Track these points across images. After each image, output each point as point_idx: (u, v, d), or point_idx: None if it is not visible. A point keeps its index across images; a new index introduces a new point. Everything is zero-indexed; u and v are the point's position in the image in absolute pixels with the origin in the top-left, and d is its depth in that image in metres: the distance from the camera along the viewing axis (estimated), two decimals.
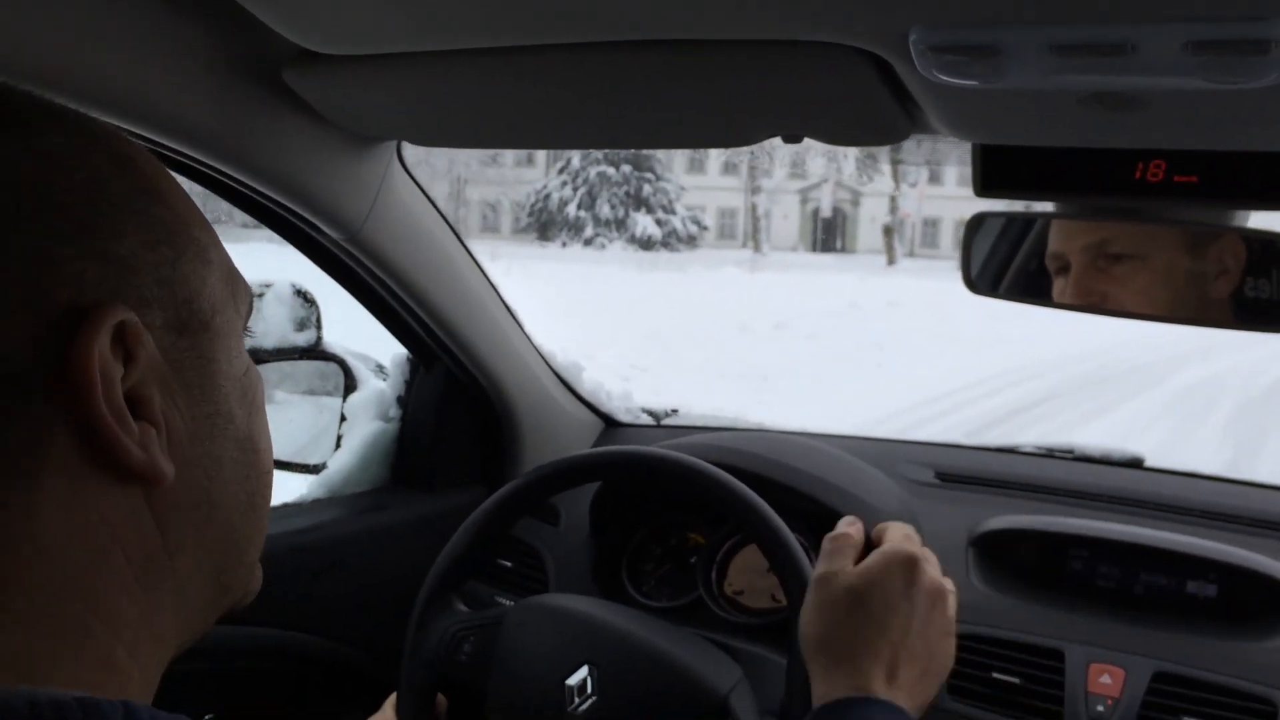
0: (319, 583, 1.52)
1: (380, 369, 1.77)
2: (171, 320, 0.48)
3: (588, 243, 34.58)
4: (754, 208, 38.71)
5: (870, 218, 41.95)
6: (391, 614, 1.52)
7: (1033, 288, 1.15)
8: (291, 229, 1.28)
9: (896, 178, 35.56)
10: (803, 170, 42.10)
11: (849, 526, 1.03)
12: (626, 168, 34.13)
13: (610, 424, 1.94)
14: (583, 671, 1.14)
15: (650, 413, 2.00)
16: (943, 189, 37.93)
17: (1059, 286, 1.11)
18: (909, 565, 0.95)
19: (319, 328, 1.65)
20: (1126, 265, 1.05)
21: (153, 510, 0.47)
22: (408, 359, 1.72)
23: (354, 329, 1.75)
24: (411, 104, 1.06)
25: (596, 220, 35.38)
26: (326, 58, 0.95)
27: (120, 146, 0.49)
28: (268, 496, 0.55)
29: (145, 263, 0.47)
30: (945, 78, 0.75)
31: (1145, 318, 1.06)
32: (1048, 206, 1.10)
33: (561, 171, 36.31)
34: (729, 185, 42.19)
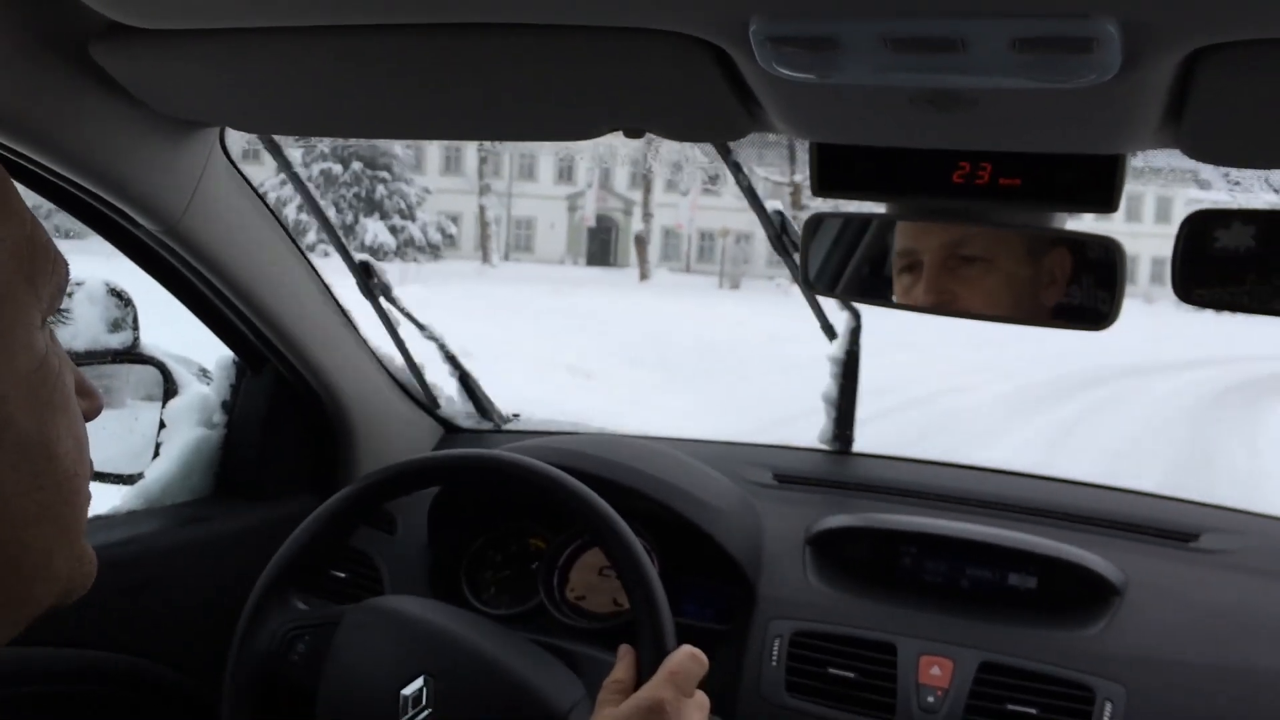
0: (134, 599, 1.42)
1: (204, 373, 1.68)
2: None
3: (309, 249, 31.07)
4: (481, 211, 34.46)
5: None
6: (215, 630, 1.44)
7: (870, 288, 1.17)
8: (102, 220, 1.20)
9: (648, 185, 33.78)
10: (570, 175, 39.66)
11: (620, 664, 1.02)
12: (357, 165, 28.11)
13: (450, 429, 1.90)
14: (419, 681, 1.10)
15: (489, 417, 1.96)
16: (719, 200, 35.08)
17: (903, 284, 1.13)
18: (655, 711, 0.93)
19: (135, 329, 1.55)
20: (976, 267, 1.09)
21: None
22: (234, 362, 1.64)
23: (180, 331, 1.65)
24: (232, 85, 1.00)
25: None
26: (138, 32, 0.88)
27: None
28: (73, 502, 0.49)
29: None
30: (784, 70, 0.75)
31: (984, 318, 1.10)
32: (880, 209, 1.13)
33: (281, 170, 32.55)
34: (518, 192, 39.84)
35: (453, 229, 31.40)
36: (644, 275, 31.64)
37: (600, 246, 40.23)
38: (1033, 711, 1.26)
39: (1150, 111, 0.79)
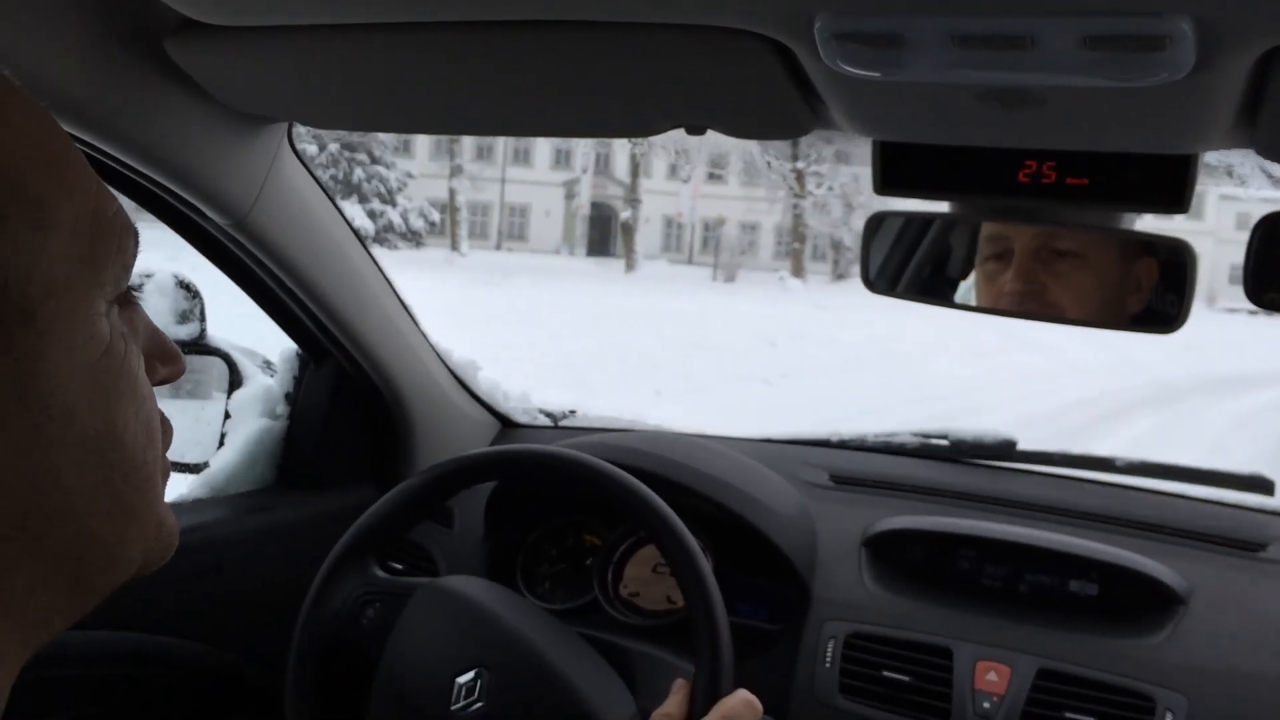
0: (199, 585, 1.45)
1: (268, 364, 1.71)
2: None
3: None
4: (451, 195, 32.17)
5: (645, 218, 36.03)
6: (276, 618, 1.47)
7: (931, 288, 1.16)
8: (173, 213, 1.22)
9: (636, 169, 32.30)
10: (568, 160, 37.56)
11: (673, 698, 1.02)
12: (334, 147, 26.85)
13: (507, 424, 1.91)
14: (474, 672, 1.11)
15: (547, 413, 1.97)
16: (725, 187, 34.16)
17: (987, 272, 1.10)
18: None
19: (203, 320, 1.58)
20: (1069, 262, 1.07)
21: None
22: (297, 354, 1.66)
23: (245, 324, 1.68)
24: (302, 81, 1.02)
25: None
26: (212, 28, 0.90)
27: None
28: (146, 487, 0.47)
29: None
30: (848, 68, 0.74)
31: (1058, 319, 1.08)
32: (943, 207, 1.12)
33: None
34: (512, 178, 37.51)
35: (435, 215, 30.29)
36: (630, 266, 30.24)
37: (600, 235, 38.12)
38: None
39: (1223, 111, 0.78)
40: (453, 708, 1.09)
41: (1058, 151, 0.96)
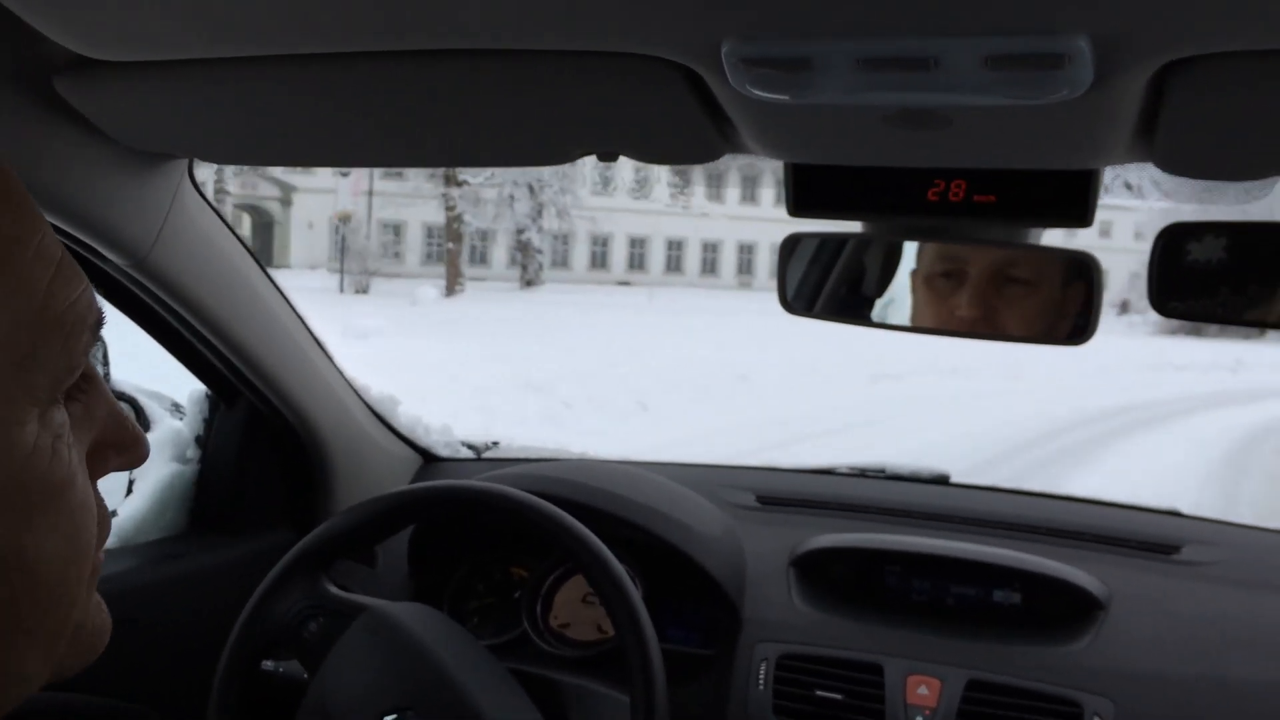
0: (114, 640, 1.39)
1: (176, 407, 1.66)
2: None
3: None
4: None
5: (309, 221, 31.73)
6: (191, 668, 1.41)
7: (848, 307, 1.17)
8: (69, 254, 1.18)
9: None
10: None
11: None
12: None
13: (429, 458, 1.88)
14: (406, 716, 1.08)
15: (470, 446, 1.95)
16: (406, 183, 30.14)
17: (936, 290, 1.12)
18: None
19: (106, 364, 1.53)
20: (1019, 289, 1.09)
21: None
22: (206, 396, 1.62)
23: (150, 365, 1.63)
24: (200, 117, 0.99)
25: None
26: (103, 64, 0.87)
27: None
28: (53, 608, 0.42)
29: None
30: (757, 92, 0.74)
31: (998, 338, 1.11)
32: (857, 228, 1.13)
33: None
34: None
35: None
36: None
37: (260, 243, 31.84)
38: None
39: (1123, 126, 0.79)
40: None
41: (965, 170, 0.97)
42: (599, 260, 40.83)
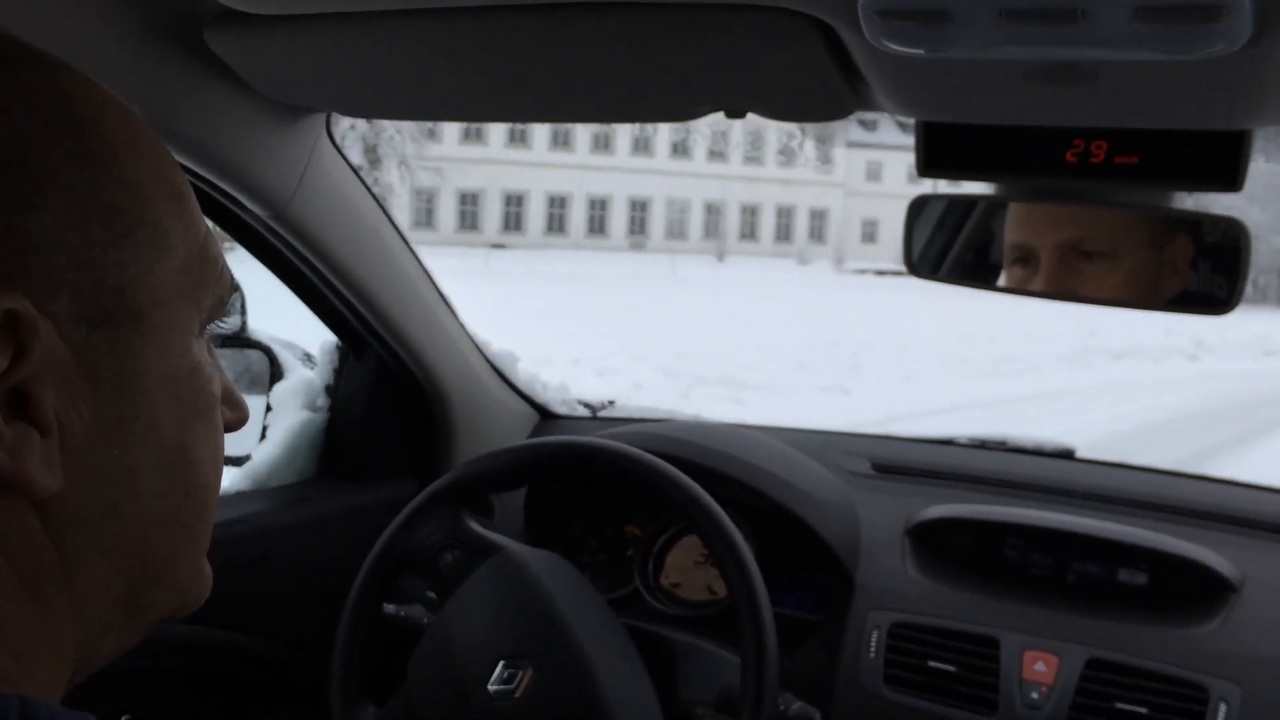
0: (243, 577, 1.46)
1: (308, 357, 1.71)
2: (88, 310, 0.42)
3: None
4: None
5: None
6: (318, 609, 1.47)
7: (974, 272, 1.14)
8: (212, 204, 1.23)
9: None
10: None
11: None
12: None
13: (545, 415, 1.91)
14: (520, 664, 1.11)
15: (586, 404, 1.97)
16: None
17: (1015, 276, 1.10)
18: None
19: (244, 314, 1.59)
20: (1098, 264, 1.05)
21: (44, 520, 0.42)
22: (337, 346, 1.67)
23: (282, 316, 1.69)
24: (340, 70, 1.02)
25: None
26: (251, 18, 0.90)
27: (79, 108, 0.44)
28: (202, 514, 0.50)
29: (64, 243, 0.41)
30: (893, 45, 0.73)
31: (1101, 304, 1.07)
32: (987, 188, 1.10)
33: None
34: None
35: None
36: None
37: None
38: (1143, 710, 1.22)
39: None
40: (489, 686, 1.10)
41: (1107, 129, 0.94)
42: (469, 220, 38.34)
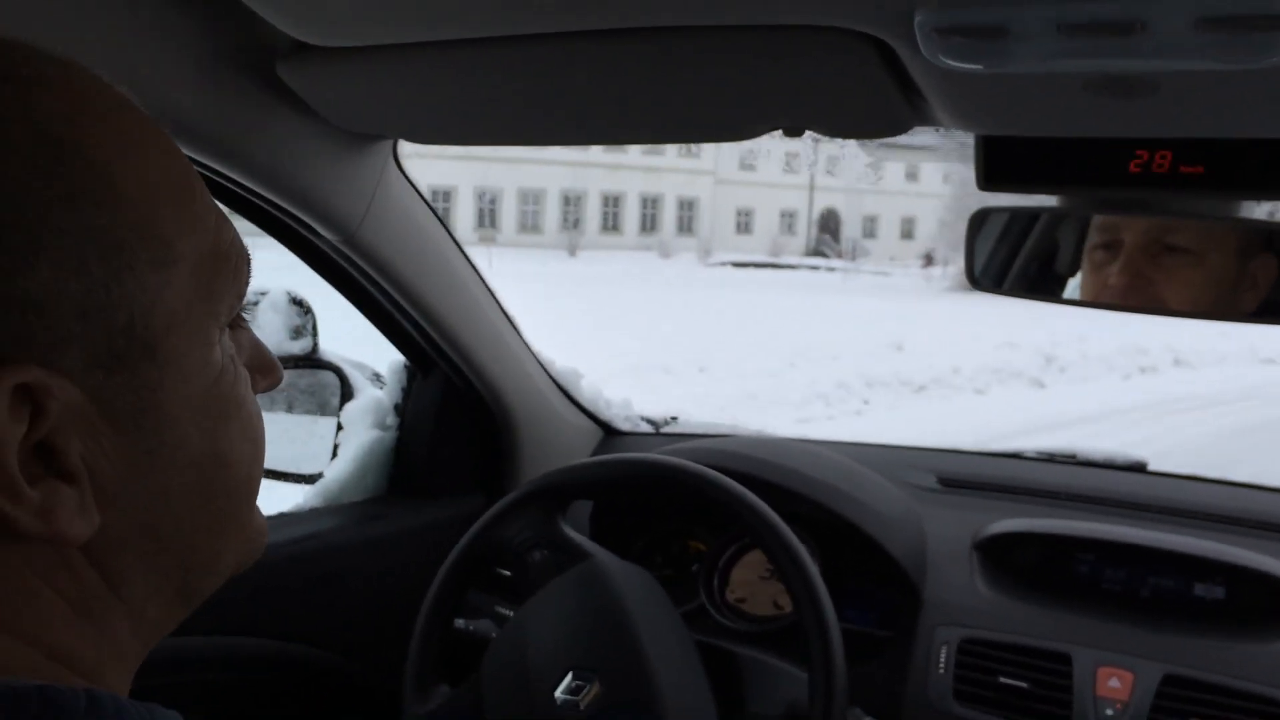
0: (315, 593, 1.50)
1: (377, 377, 1.75)
2: (99, 356, 0.41)
3: None
4: None
5: None
6: (389, 625, 1.50)
7: (1038, 285, 1.13)
8: (286, 231, 1.27)
9: None
10: None
11: None
12: None
13: (609, 432, 1.92)
14: (590, 677, 1.12)
15: (649, 420, 1.98)
16: None
17: (1094, 260, 1.08)
18: None
19: (315, 335, 1.63)
20: (1180, 259, 1.04)
21: (85, 552, 0.43)
22: (405, 366, 1.71)
23: (349, 338, 1.73)
24: (407, 98, 1.05)
25: None
26: (321, 50, 0.93)
27: (58, 133, 0.41)
28: (249, 502, 0.51)
29: (65, 294, 0.40)
30: (950, 62, 0.73)
31: (1168, 313, 1.05)
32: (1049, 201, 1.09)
33: None
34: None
35: None
36: None
37: None
38: None
39: None
40: (556, 692, 1.11)
41: (1170, 139, 0.93)
42: None
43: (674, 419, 2.01)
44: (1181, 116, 0.86)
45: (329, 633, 1.53)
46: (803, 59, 0.82)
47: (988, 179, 1.01)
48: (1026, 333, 12.93)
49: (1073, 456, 1.70)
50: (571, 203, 42.77)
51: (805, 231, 47.18)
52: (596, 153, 39.14)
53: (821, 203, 47.40)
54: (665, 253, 37.02)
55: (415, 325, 1.50)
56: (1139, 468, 1.65)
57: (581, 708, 1.10)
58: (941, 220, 29.04)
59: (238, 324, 0.52)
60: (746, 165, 44.68)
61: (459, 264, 1.50)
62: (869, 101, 0.89)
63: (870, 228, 47.81)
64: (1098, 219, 1.07)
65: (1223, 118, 0.85)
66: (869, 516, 1.44)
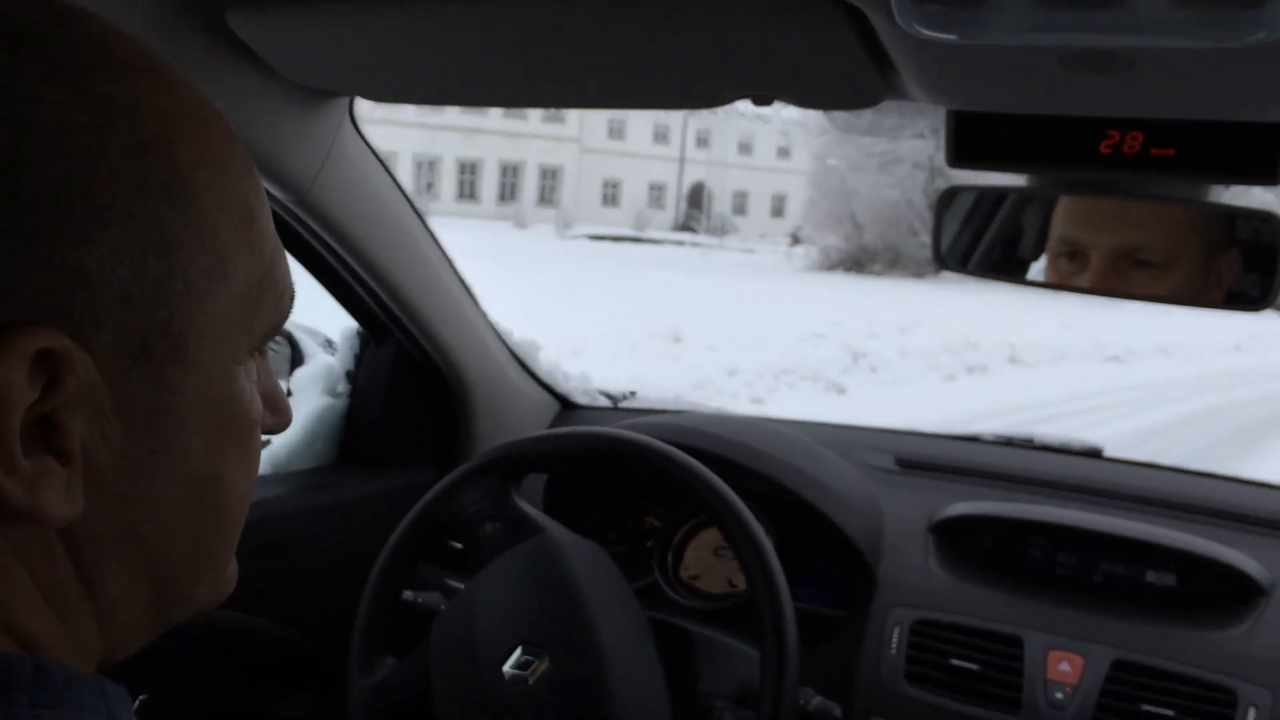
0: (260, 561, 1.46)
1: (329, 343, 1.71)
2: (131, 345, 0.41)
3: None
4: None
5: None
6: (334, 594, 1.47)
7: (1003, 266, 1.12)
8: None
9: None
10: None
11: None
12: None
13: (566, 405, 1.90)
14: (539, 652, 1.10)
15: (607, 394, 1.96)
16: None
17: (1061, 269, 1.08)
18: None
19: None
20: (1149, 273, 1.04)
21: (64, 539, 0.42)
22: (358, 332, 1.67)
23: (300, 301, 1.68)
24: (363, 53, 1.01)
25: None
26: (274, 0, 0.89)
27: (151, 122, 0.41)
28: (231, 534, 0.49)
29: (114, 277, 0.40)
30: (925, 31, 0.71)
31: (1142, 299, 1.05)
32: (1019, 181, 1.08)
33: None
34: None
35: None
36: None
37: None
38: (1169, 713, 1.20)
39: None
40: (505, 667, 1.10)
41: (1143, 120, 0.92)
42: None
43: (632, 394, 1.99)
44: (1156, 96, 0.84)
45: (273, 602, 1.50)
46: (775, 24, 0.80)
47: (957, 155, 0.99)
48: (845, 323, 12.05)
49: (1030, 441, 1.70)
50: (425, 168, 41.45)
51: (675, 206, 46.21)
52: (453, 114, 37.96)
53: (692, 176, 46.39)
54: (521, 223, 35.82)
55: (369, 290, 1.46)
56: (1095, 453, 1.65)
57: (530, 683, 1.09)
58: (810, 199, 27.73)
59: (260, 354, 0.51)
60: (615, 134, 43.43)
61: (416, 230, 1.46)
62: (841, 71, 0.86)
63: (741, 204, 47.08)
64: (1058, 231, 1.07)
65: (1197, 98, 0.84)
66: (826, 496, 1.44)
